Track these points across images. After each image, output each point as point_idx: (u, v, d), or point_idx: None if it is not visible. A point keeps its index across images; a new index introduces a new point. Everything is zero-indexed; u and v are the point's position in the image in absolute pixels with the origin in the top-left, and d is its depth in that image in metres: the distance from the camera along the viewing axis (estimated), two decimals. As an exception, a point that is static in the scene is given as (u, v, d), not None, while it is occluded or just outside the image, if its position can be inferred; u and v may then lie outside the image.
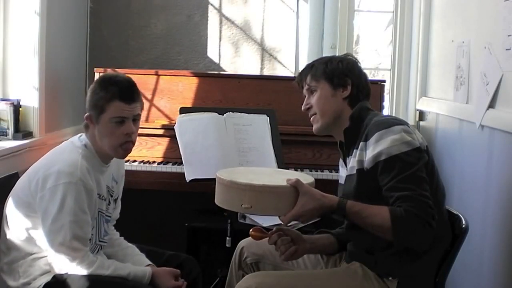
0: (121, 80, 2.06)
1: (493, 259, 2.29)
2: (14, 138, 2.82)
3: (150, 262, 2.19)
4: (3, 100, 2.86)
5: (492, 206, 2.31)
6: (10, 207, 2.07)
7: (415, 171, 1.76)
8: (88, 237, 2.01)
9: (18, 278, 2.03)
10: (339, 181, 2.09)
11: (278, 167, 2.63)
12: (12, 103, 2.83)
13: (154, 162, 3.07)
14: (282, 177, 1.88)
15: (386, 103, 3.68)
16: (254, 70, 3.90)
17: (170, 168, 3.01)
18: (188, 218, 3.02)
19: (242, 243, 2.21)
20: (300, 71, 2.10)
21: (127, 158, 2.87)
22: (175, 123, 2.68)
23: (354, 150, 1.92)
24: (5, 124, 2.82)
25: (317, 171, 3.04)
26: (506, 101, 2.20)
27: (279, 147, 2.73)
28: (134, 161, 3.04)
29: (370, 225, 1.79)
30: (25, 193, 2.03)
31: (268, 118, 2.78)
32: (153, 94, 3.26)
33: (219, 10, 3.90)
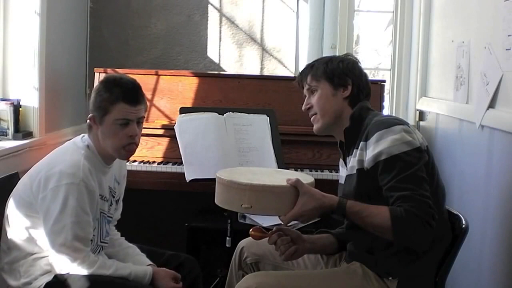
0: (126, 82, 2.06)
1: (493, 259, 2.29)
2: (14, 138, 2.82)
3: (151, 262, 2.19)
4: (3, 100, 2.86)
5: (492, 206, 2.31)
6: (11, 207, 2.07)
7: (415, 171, 1.76)
8: (90, 237, 2.01)
9: (19, 278, 2.03)
10: (339, 181, 2.09)
11: (278, 167, 2.63)
12: (12, 103, 2.83)
13: (154, 162, 3.07)
14: (282, 177, 1.88)
15: (386, 103, 3.68)
16: (254, 70, 3.90)
17: (170, 168, 3.01)
18: (188, 218, 3.02)
19: (242, 243, 2.21)
20: (300, 71, 2.10)
21: (127, 158, 2.88)
22: (175, 123, 2.68)
23: (354, 150, 1.92)
24: (5, 124, 2.82)
25: (317, 171, 3.03)
26: (506, 101, 2.20)
27: (279, 147, 2.73)
28: (134, 161, 3.04)
29: (370, 225, 1.79)
30: (27, 193, 2.03)
31: (268, 118, 2.78)
32: (153, 94, 3.26)
33: (219, 10, 3.90)
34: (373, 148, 1.82)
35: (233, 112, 2.75)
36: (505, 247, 2.19)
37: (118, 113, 2.01)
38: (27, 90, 2.93)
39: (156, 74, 3.30)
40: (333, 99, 1.99)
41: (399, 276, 1.87)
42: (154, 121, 3.21)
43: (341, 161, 2.10)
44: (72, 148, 2.08)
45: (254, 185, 1.80)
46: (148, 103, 3.19)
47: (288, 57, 3.91)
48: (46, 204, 1.96)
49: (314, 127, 2.03)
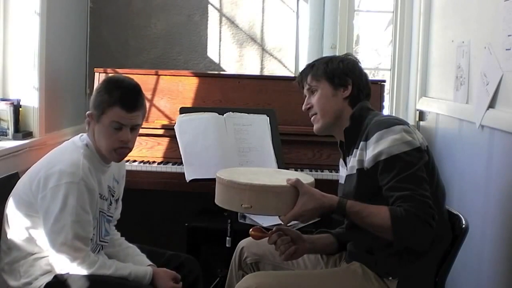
0: (127, 86, 2.06)
1: (493, 259, 2.29)
2: (14, 138, 2.82)
3: (151, 263, 2.19)
4: (3, 100, 2.86)
5: (492, 206, 2.31)
6: (11, 207, 2.06)
7: (415, 171, 1.77)
8: (90, 237, 2.01)
9: (19, 278, 2.03)
10: (339, 181, 2.09)
11: (278, 167, 2.64)
12: (12, 103, 2.83)
13: (154, 162, 3.07)
14: (282, 177, 1.88)
15: (386, 103, 3.68)
16: (254, 70, 3.90)
17: (170, 168, 3.01)
18: (188, 218, 3.03)
19: (242, 243, 2.21)
20: (300, 71, 2.10)
21: (127, 158, 2.87)
22: (175, 123, 2.68)
23: (355, 150, 1.92)
24: (5, 124, 2.82)
25: (317, 171, 3.04)
26: (506, 101, 2.20)
27: (279, 147, 2.73)
28: (134, 161, 3.04)
29: (370, 225, 1.79)
30: (26, 193, 2.03)
31: (268, 118, 2.78)
32: (153, 94, 3.26)
33: (219, 10, 3.90)
34: (373, 148, 1.82)
35: (233, 112, 2.75)
36: (505, 247, 2.19)
37: (113, 116, 2.01)
38: (27, 90, 2.93)
39: (156, 74, 3.30)
40: (333, 99, 1.99)
41: (399, 276, 1.87)
42: (154, 121, 3.21)
43: (341, 161, 2.10)
44: (71, 147, 2.08)
45: (254, 185, 1.80)
46: (147, 103, 3.21)
47: (288, 57, 3.91)
48: (46, 204, 1.96)
49: (314, 127, 2.03)
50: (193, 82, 3.27)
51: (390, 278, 1.87)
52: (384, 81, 3.34)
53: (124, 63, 3.80)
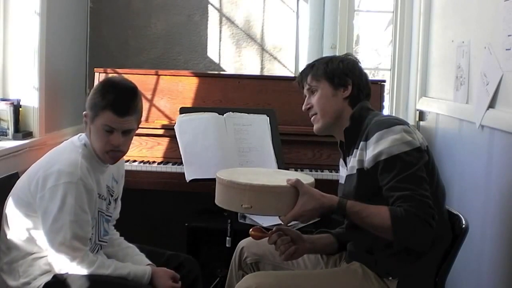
0: (121, 90, 2.04)
1: (493, 259, 2.29)
2: (14, 138, 2.82)
3: (150, 262, 2.19)
4: (3, 100, 2.86)
5: (492, 206, 2.31)
6: (10, 207, 2.06)
7: (415, 171, 1.76)
8: (89, 236, 2.01)
9: (18, 278, 2.03)
10: (339, 181, 2.09)
11: (278, 167, 2.63)
12: (12, 103, 2.83)
13: (154, 162, 3.07)
14: (282, 177, 1.88)
15: (386, 103, 3.68)
16: (254, 70, 3.90)
17: (170, 168, 3.01)
18: (188, 218, 3.03)
19: (242, 243, 2.21)
20: (300, 71, 2.10)
21: (127, 158, 2.89)
22: (175, 123, 2.68)
23: (355, 150, 1.92)
24: (5, 124, 2.82)
25: (317, 171, 3.03)
26: (506, 101, 2.20)
27: (279, 147, 2.73)
28: (134, 161, 3.04)
29: (370, 225, 1.79)
30: (25, 193, 2.03)
31: (268, 118, 2.78)
32: (153, 94, 3.26)
33: (219, 10, 3.90)
34: (373, 148, 1.82)
35: (233, 112, 2.75)
36: (505, 247, 2.19)
37: (105, 120, 2.00)
38: (27, 90, 2.93)
39: (156, 74, 3.30)
40: (333, 99, 1.99)
41: (399, 276, 1.87)
42: (154, 121, 3.21)
43: (341, 161, 2.10)
44: (69, 147, 2.08)
45: (254, 185, 1.80)
46: (147, 103, 3.22)
47: (288, 57, 3.91)
48: (45, 203, 1.96)
49: (314, 127, 2.03)
50: (193, 82, 3.27)
51: (390, 278, 1.87)
52: (384, 81, 3.34)
53: (124, 63, 3.80)
